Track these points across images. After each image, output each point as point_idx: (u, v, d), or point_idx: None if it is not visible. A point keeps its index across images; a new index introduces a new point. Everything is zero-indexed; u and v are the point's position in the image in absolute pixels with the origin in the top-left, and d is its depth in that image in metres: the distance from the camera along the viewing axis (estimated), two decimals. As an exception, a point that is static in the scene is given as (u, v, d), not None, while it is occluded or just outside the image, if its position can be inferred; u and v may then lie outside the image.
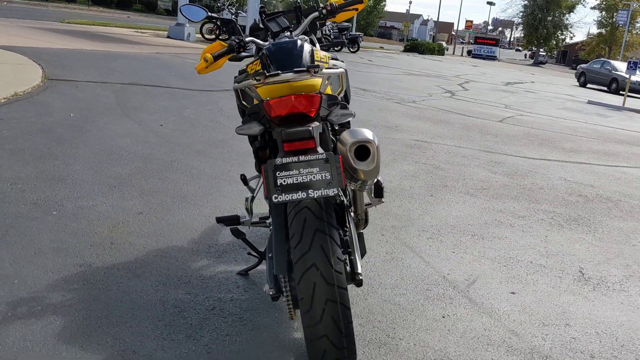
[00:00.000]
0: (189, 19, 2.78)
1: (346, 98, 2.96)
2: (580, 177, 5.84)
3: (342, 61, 2.95)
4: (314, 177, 1.81)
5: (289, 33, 2.88)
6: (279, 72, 1.92)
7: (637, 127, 11.40)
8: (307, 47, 2.69)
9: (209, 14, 2.91)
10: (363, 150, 1.92)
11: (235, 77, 2.91)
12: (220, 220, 2.42)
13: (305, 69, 1.93)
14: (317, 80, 1.99)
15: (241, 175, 2.39)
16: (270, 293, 2.03)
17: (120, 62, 10.06)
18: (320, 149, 1.91)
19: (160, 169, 4.40)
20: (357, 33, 21.34)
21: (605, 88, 22.94)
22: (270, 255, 2.13)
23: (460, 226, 3.91)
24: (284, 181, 1.80)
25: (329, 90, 2.12)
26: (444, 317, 2.64)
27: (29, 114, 5.64)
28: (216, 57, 2.63)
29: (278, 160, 1.84)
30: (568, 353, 2.44)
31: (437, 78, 17.14)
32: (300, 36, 2.93)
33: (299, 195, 1.78)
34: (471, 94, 13.33)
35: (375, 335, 2.41)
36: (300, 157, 1.83)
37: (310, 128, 1.86)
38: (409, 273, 3.07)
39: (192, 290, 2.62)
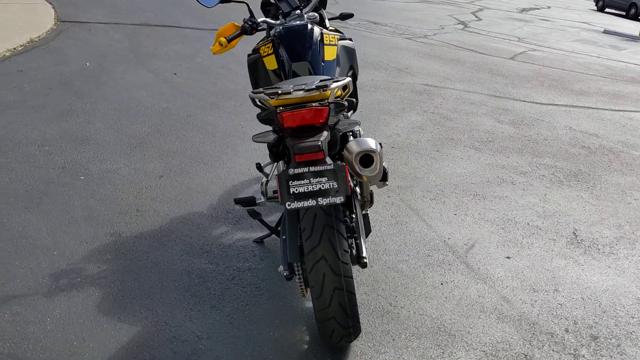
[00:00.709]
0: (203, 5, 2.89)
1: (354, 75, 3.10)
2: (585, 125, 5.96)
3: (350, 39, 3.07)
4: (322, 186, 2.01)
5: (299, 12, 2.99)
6: (291, 89, 2.08)
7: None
8: (316, 31, 2.81)
9: None
10: (367, 159, 2.11)
11: (248, 55, 3.06)
12: (238, 201, 2.65)
13: (314, 87, 2.09)
14: (326, 92, 2.16)
15: (257, 164, 2.60)
16: (285, 274, 2.27)
17: (129, -2, 10.01)
18: (328, 160, 2.10)
19: (176, 125, 4.59)
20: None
21: (624, 13, 22.35)
22: (284, 237, 2.36)
23: (463, 185, 4.12)
24: (296, 190, 2.01)
25: (338, 93, 2.28)
26: (442, 284, 2.90)
27: (47, 64, 5.78)
28: (230, 40, 2.77)
29: (291, 171, 2.03)
30: (553, 320, 2.71)
31: (450, 5, 16.81)
32: (310, 14, 3.04)
33: (309, 203, 1.99)
34: (484, 25, 13.16)
35: (378, 303, 2.68)
36: (310, 167, 2.03)
37: (319, 142, 2.04)
38: (412, 238, 3.31)
39: (213, 259, 2.89)
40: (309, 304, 2.61)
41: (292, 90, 2.07)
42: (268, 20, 3.00)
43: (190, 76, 6.00)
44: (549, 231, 3.57)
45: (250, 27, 2.86)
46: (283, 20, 3.00)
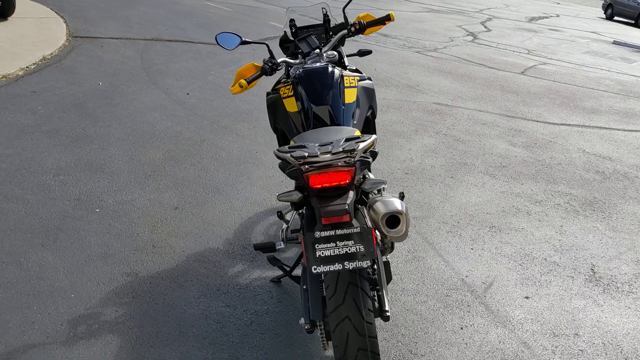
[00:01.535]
0: (224, 48, 2.88)
1: (373, 114, 3.08)
2: (599, 148, 5.92)
3: (369, 78, 3.05)
4: (349, 250, 1.98)
5: (318, 51, 2.98)
6: (317, 151, 2.06)
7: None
8: (336, 73, 2.80)
9: (244, 39, 2.93)
10: (394, 220, 2.08)
11: (267, 94, 3.04)
12: (257, 247, 2.63)
13: (341, 150, 2.07)
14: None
15: (278, 212, 2.58)
16: (306, 327, 2.25)
17: (138, 11, 10.01)
18: (355, 222, 2.08)
19: (190, 151, 4.58)
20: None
21: (633, 21, 22.27)
22: (304, 287, 2.34)
23: (479, 215, 4.09)
24: (322, 253, 1.98)
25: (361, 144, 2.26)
26: (462, 328, 2.87)
27: (59, 84, 5.78)
28: (250, 82, 2.76)
29: (317, 234, 2.01)
30: (575, 368, 2.68)
31: (458, 15, 16.78)
32: (329, 53, 3.03)
33: (335, 267, 1.97)
34: (493, 36, 13.12)
35: (399, 351, 2.65)
36: (337, 230, 2.01)
37: (346, 206, 2.02)
38: (430, 276, 3.29)
39: (230, 302, 2.87)
40: (330, 353, 2.58)
41: (319, 154, 2.05)
42: (287, 60, 2.99)
43: (203, 96, 5.99)
44: (567, 267, 3.53)
45: (270, 68, 2.85)
46: (302, 60, 2.99)
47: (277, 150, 2.21)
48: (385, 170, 4.71)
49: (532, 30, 15.50)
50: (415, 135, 5.66)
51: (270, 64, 2.85)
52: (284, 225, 2.74)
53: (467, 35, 12.88)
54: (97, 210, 3.57)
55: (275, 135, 3.21)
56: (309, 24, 3.28)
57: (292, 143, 2.44)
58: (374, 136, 2.20)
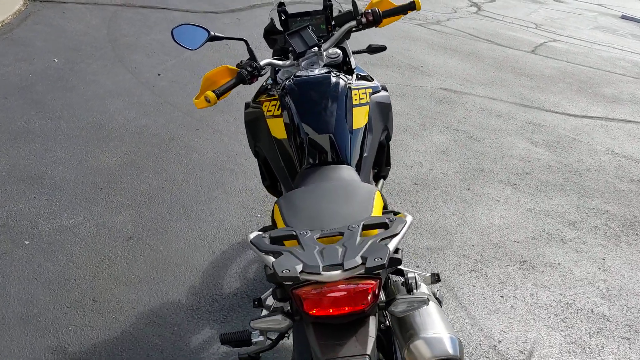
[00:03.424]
0: (185, 48, 2.05)
1: (388, 136, 2.31)
2: (628, 148, 5.18)
3: (384, 88, 2.26)
4: None
5: (316, 49, 2.17)
6: (319, 268, 1.25)
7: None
8: (342, 86, 2.01)
9: (213, 34, 2.24)
10: None
11: (246, 106, 2.24)
12: (225, 341, 1.83)
13: (359, 264, 1.25)
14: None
15: (254, 300, 1.76)
16: None
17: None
18: None
19: (156, 153, 3.77)
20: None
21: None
22: None
23: (505, 245, 3.35)
24: None
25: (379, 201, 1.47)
26: None
27: (6, 60, 4.90)
28: (220, 94, 1.96)
29: None
30: None
31: (459, -19, 15.77)
32: (331, 51, 2.22)
33: None
34: (498, 8, 12.22)
35: None
36: None
37: (367, 357, 1.24)
38: (453, 342, 2.54)
39: (192, 393, 2.11)
40: None
41: (321, 271, 1.25)
42: (274, 61, 2.18)
43: (176, 77, 5.13)
44: (620, 324, 2.82)
45: (249, 74, 2.04)
46: (294, 62, 2.18)
47: (253, 240, 1.40)
48: (391, 178, 3.94)
49: (537, 2, 14.58)
50: (423, 131, 4.88)
51: (250, 69, 2.04)
52: (263, 312, 1.96)
53: (471, 5, 11.96)
54: (27, 242, 2.78)
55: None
56: (304, 11, 2.45)
57: (275, 211, 1.64)
58: (408, 219, 1.40)
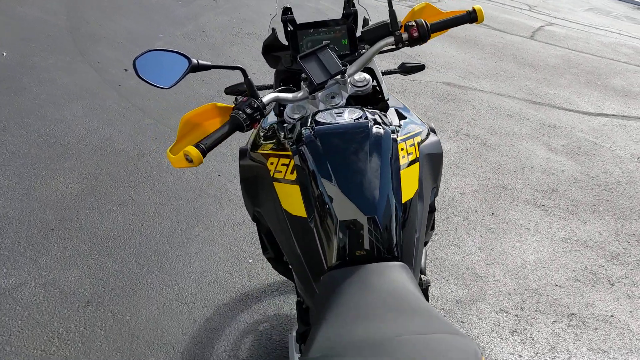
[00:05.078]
0: (154, 85, 1.38)
1: (436, 192, 1.69)
2: (654, 153, 4.66)
3: (433, 130, 1.65)
4: None
5: (339, 77, 1.54)
6: None
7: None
8: (385, 139, 1.38)
9: (195, 61, 1.74)
10: None
11: (241, 154, 1.61)
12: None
13: None
14: None
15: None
16: None
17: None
18: None
19: (121, 176, 3.10)
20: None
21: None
22: None
23: (546, 292, 2.80)
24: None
25: None
26: None
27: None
28: (207, 151, 1.32)
29: None
30: None
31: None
32: (358, 77, 1.59)
33: None
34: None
35: None
36: None
37: None
38: None
39: None
40: None
41: None
42: (282, 95, 1.54)
43: (145, 75, 4.40)
44: (701, 403, 2.27)
45: (249, 118, 1.40)
46: (309, 95, 1.54)
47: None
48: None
49: (526, -21, 13.98)
50: (431, 137, 4.25)
51: (249, 110, 1.41)
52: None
53: (460, -16, 11.30)
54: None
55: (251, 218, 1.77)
56: (318, 20, 1.80)
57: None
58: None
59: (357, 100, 1.73)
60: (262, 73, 4.80)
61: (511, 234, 3.25)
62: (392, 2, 1.65)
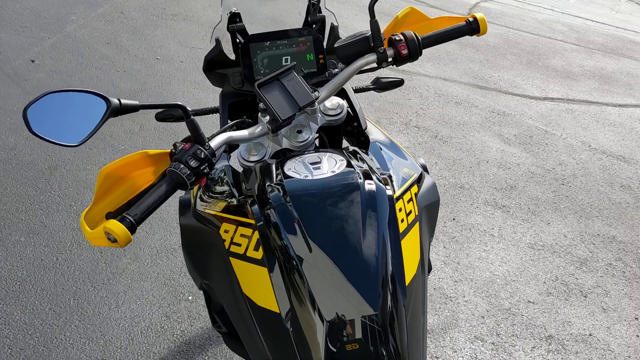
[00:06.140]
0: (55, 143, 0.96)
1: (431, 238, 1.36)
2: (602, 139, 4.57)
3: (424, 166, 1.31)
4: None
5: (309, 106, 1.16)
6: None
7: (600, 13, 10.14)
8: (382, 199, 1.02)
9: (117, 102, 1.39)
10: None
11: (182, 210, 1.22)
12: None
13: None
14: None
15: None
16: None
17: None
18: None
19: (31, 196, 2.62)
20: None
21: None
22: None
23: (520, 311, 2.57)
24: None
25: None
26: None
27: None
28: (139, 222, 0.92)
29: None
30: None
31: None
32: (329, 104, 1.23)
33: None
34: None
35: None
36: None
37: None
38: None
39: None
40: None
41: None
42: (235, 135, 1.15)
43: (57, 64, 3.88)
44: None
45: (195, 174, 1.00)
46: (271, 133, 1.16)
47: None
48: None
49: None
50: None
51: (194, 162, 1.01)
52: None
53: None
54: None
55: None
56: (276, 30, 1.39)
57: None
58: None
59: (327, 131, 1.36)
60: (197, 68, 4.34)
61: (475, 242, 2.99)
62: (374, 8, 1.28)
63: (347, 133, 1.43)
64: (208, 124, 3.24)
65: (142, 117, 3.58)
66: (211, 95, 3.97)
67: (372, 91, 1.61)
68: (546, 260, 2.96)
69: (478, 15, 1.36)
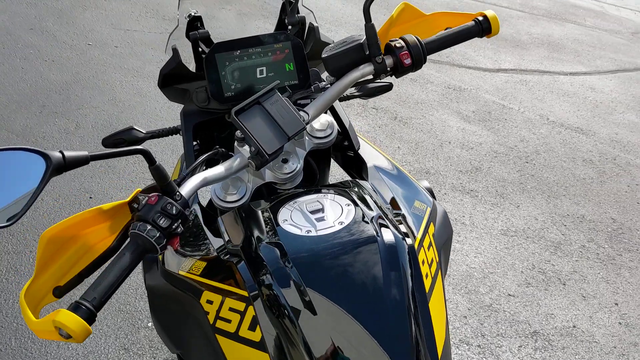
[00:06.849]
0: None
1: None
2: (559, 112, 4.51)
3: (431, 192, 1.10)
4: None
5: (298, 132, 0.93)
6: None
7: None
8: (404, 255, 0.80)
9: (61, 157, 1.17)
10: None
11: (146, 267, 0.98)
12: None
13: None
14: None
15: None
16: None
17: None
18: None
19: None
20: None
21: None
22: None
23: (501, 306, 2.46)
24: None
25: None
26: None
27: None
28: (98, 308, 0.67)
29: None
30: None
31: None
32: (317, 126, 1.01)
33: None
34: None
35: None
36: None
37: None
38: None
39: None
40: None
41: None
42: (210, 176, 0.93)
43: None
44: None
45: (166, 235, 0.77)
46: (252, 167, 0.93)
47: None
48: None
49: None
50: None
51: (164, 222, 0.77)
52: None
53: None
54: None
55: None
56: (247, 36, 1.14)
57: None
58: None
59: (314, 154, 1.14)
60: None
61: (448, 233, 2.84)
62: (370, 10, 1.06)
63: (335, 154, 1.22)
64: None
65: (78, 114, 3.25)
66: (152, 84, 3.65)
67: (360, 98, 1.39)
68: (521, 247, 2.85)
69: (489, 13, 1.16)
